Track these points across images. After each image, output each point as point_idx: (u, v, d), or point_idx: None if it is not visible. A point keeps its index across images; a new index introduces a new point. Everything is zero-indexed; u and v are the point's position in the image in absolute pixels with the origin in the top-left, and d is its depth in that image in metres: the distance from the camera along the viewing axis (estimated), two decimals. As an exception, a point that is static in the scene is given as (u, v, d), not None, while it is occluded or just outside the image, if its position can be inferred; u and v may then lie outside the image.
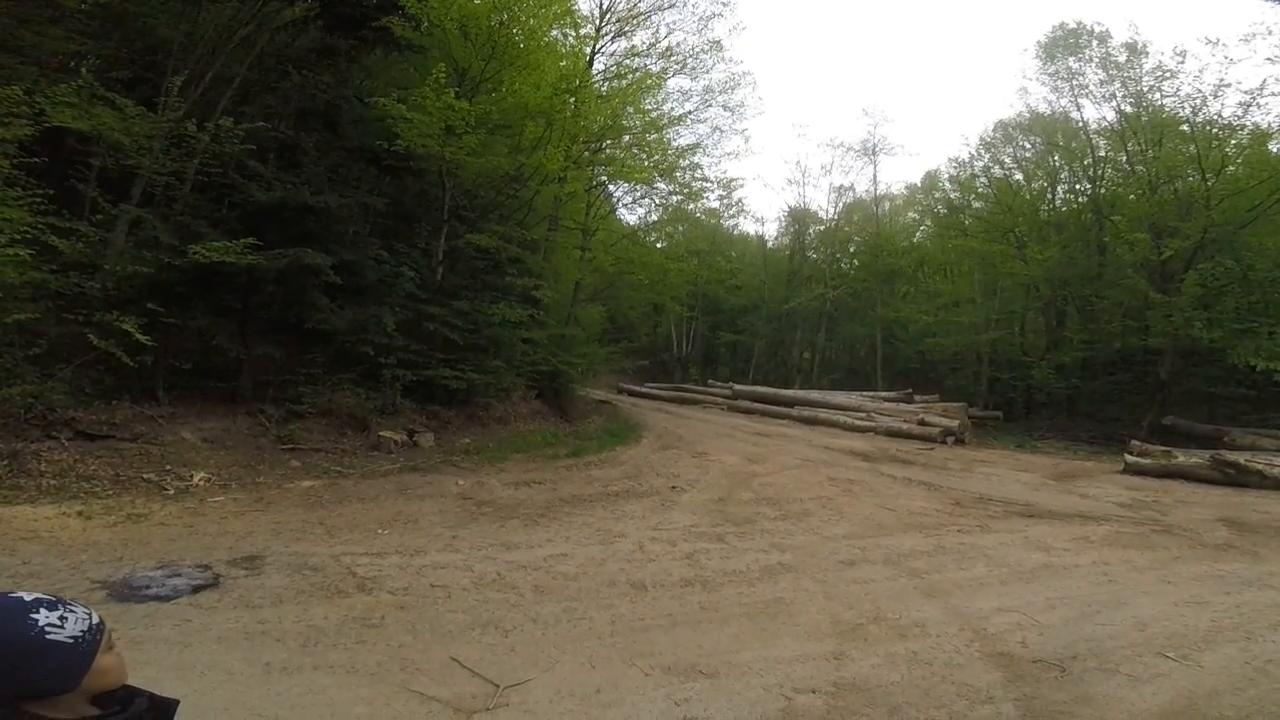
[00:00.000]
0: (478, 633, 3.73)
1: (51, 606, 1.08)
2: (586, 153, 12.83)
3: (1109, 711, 3.19)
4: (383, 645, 3.50)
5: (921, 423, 14.92)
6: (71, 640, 1.07)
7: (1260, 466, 9.62)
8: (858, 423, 15.64)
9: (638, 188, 16.84)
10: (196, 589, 3.98)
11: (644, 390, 22.95)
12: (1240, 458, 10.05)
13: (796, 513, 7.17)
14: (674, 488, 8.06)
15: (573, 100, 11.25)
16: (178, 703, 1.24)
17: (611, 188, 17.08)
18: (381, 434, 8.58)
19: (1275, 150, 15.85)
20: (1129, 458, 10.98)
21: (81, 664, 1.08)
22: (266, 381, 8.25)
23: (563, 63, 12.14)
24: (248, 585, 4.12)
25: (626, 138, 13.95)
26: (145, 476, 6.21)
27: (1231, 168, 15.18)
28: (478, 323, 10.32)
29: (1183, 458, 10.56)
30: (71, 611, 1.10)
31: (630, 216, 20.34)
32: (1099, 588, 5.06)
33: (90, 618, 1.12)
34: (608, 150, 13.63)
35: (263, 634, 3.52)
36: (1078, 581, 5.20)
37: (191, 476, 6.37)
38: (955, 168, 24.64)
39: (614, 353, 17.76)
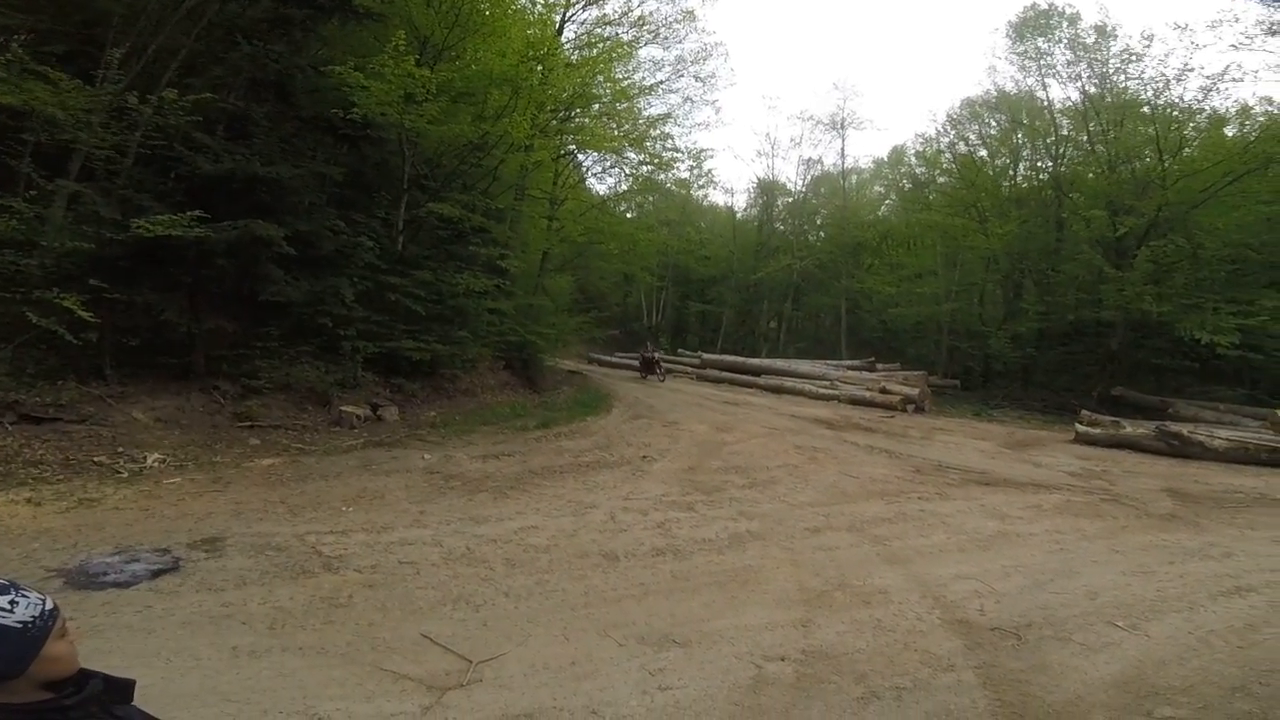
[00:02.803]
0: (449, 609, 3.71)
1: (2, 590, 1.04)
2: (554, 121, 12.49)
3: (1064, 680, 3.26)
4: (352, 625, 3.46)
5: (883, 391, 15.28)
6: (20, 625, 1.03)
7: (1202, 438, 10.01)
8: (822, 391, 15.93)
9: (607, 157, 16.59)
10: (156, 574, 3.87)
11: (614, 360, 22.93)
12: (1184, 429, 10.48)
13: (764, 481, 7.29)
14: (645, 457, 8.09)
15: (540, 68, 10.90)
16: (134, 683, 1.20)
17: (581, 157, 16.76)
18: (343, 408, 8.38)
19: (1230, 134, 16.41)
20: (1080, 427, 11.38)
21: (29, 651, 1.04)
22: (220, 356, 7.95)
23: (530, 30, 11.72)
24: (209, 568, 4.01)
25: (596, 106, 13.63)
26: (96, 459, 5.95)
27: (1188, 150, 15.70)
28: (441, 293, 10.10)
29: (1130, 428, 10.99)
30: (24, 596, 1.05)
31: (600, 186, 20.08)
32: (1052, 556, 5.23)
33: (44, 604, 1.08)
34: (577, 119, 13.28)
35: (228, 617, 3.45)
36: (1032, 550, 5.36)
37: (145, 458, 6.13)
38: (922, 143, 24.93)
39: (584, 323, 17.61)
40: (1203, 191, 14.59)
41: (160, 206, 6.94)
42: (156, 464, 6.08)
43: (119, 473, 5.81)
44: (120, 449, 6.22)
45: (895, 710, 2.93)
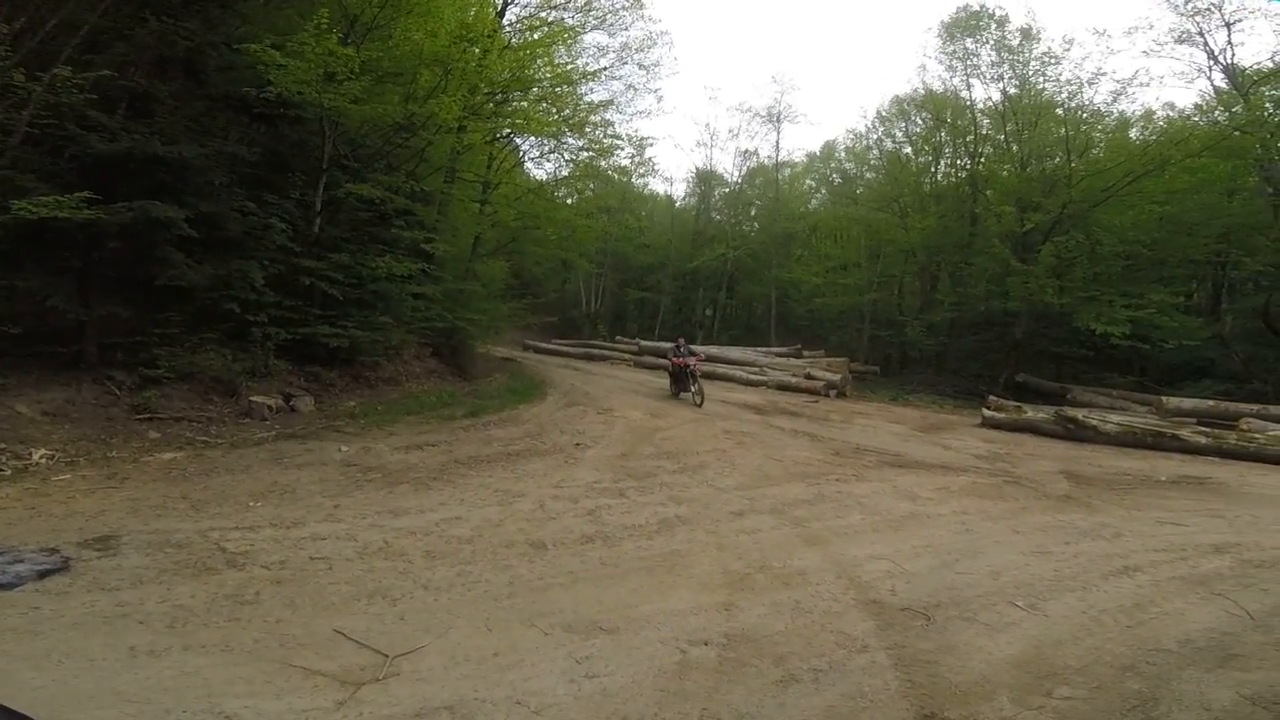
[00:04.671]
0: (363, 603, 3.59)
1: None
2: (490, 104, 12.09)
3: (969, 660, 3.37)
4: (259, 622, 3.31)
5: (808, 377, 15.83)
6: None
7: (1095, 423, 10.75)
8: (752, 377, 16.31)
9: (546, 142, 16.18)
10: (43, 574, 3.61)
11: (551, 347, 22.69)
12: (1079, 413, 11.27)
13: (693, 465, 7.40)
14: (578, 444, 8.06)
15: (477, 50, 10.52)
16: None
17: (518, 140, 16.31)
18: (253, 399, 7.91)
19: (1134, 136, 17.80)
20: (986, 412, 12.08)
21: None
22: (115, 345, 7.35)
23: (471, 11, 11.28)
24: (102, 567, 3.75)
25: (535, 90, 13.26)
26: (-27, 457, 5.41)
27: (1095, 151, 16.88)
28: (361, 277, 9.68)
29: (1031, 413, 11.78)
30: None
31: (538, 171, 19.68)
32: (958, 536, 5.47)
33: None
34: (515, 103, 12.90)
35: (123, 617, 3.25)
36: (940, 530, 5.61)
37: (31, 454, 5.64)
38: (852, 139, 25.84)
39: (518, 309, 17.25)
40: (1104, 191, 15.69)
41: (47, 188, 6.44)
42: (44, 460, 5.61)
43: (2, 470, 5.32)
44: (2, 445, 5.68)
45: (813, 692, 3.02)
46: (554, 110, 13.98)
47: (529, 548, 4.59)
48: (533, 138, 15.84)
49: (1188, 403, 12.54)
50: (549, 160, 18.33)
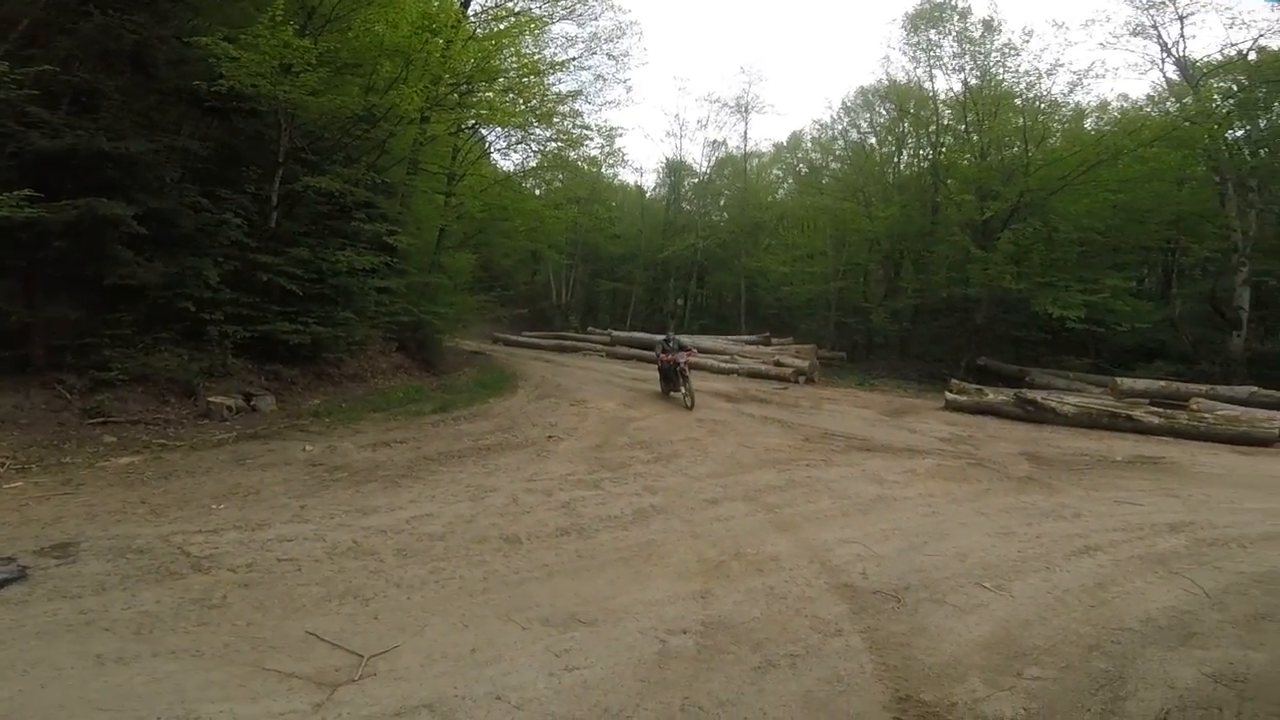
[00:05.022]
0: (335, 604, 3.53)
1: None
2: (454, 95, 11.81)
3: (941, 642, 3.44)
4: (228, 626, 3.24)
5: (777, 364, 16.01)
6: None
7: (1054, 404, 11.08)
8: (723, 365, 16.44)
9: (513, 133, 15.87)
10: (1, 584, 3.50)
11: (522, 339, 22.49)
12: (1039, 396, 11.62)
13: (667, 455, 7.42)
14: (550, 437, 8.00)
15: (440, 41, 10.28)
16: None
17: (484, 132, 15.98)
18: (211, 399, 7.64)
19: (1089, 126, 18.32)
20: (949, 395, 12.37)
21: None
22: (63, 347, 7.04)
23: (435, 1, 10.98)
24: (62, 575, 3.64)
25: (501, 81, 12.97)
26: (-85, 467, 5.14)
27: (1052, 140, 17.33)
28: (321, 271, 9.40)
29: (992, 395, 12.10)
30: None
31: (505, 162, 19.39)
32: (925, 519, 5.58)
33: None
34: (480, 93, 12.61)
35: (88, 625, 3.16)
36: (907, 513, 5.72)
37: (-23, 462, 5.35)
38: (818, 129, 26.09)
39: (486, 301, 16.98)
40: (1060, 179, 16.10)
41: (-17, 187, 6.10)
42: (-9, 467, 5.32)
43: (-53, 480, 5.05)
44: (-54, 454, 5.39)
45: (791, 678, 3.06)
46: (521, 101, 13.68)
47: (503, 542, 4.56)
48: (499, 129, 15.54)
49: (1140, 383, 13.05)
50: (516, 151, 18.08)
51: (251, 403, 8.12)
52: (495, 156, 18.63)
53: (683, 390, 10.60)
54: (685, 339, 18.84)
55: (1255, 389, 12.02)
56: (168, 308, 7.77)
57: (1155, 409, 10.81)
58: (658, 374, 11.67)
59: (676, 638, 3.37)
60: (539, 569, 4.17)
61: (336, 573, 3.90)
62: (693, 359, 11.67)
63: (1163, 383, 13.09)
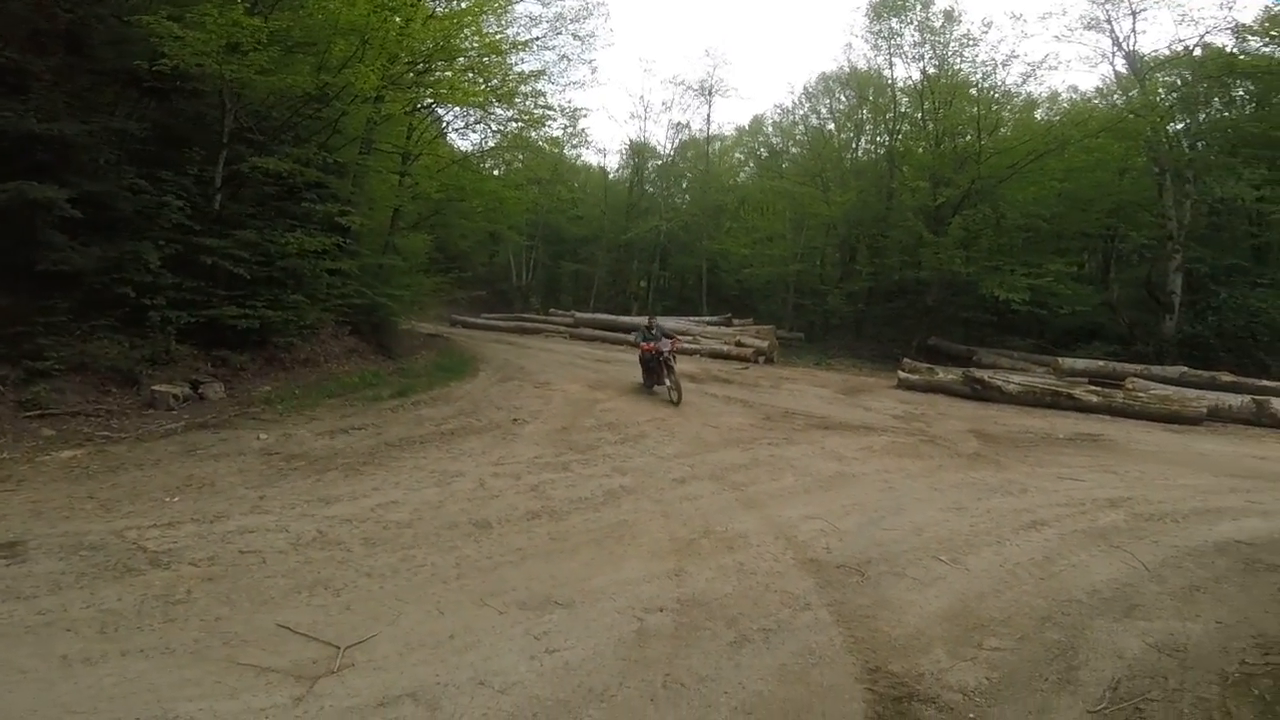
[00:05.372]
0: (305, 596, 3.45)
1: None
2: (411, 74, 11.37)
3: (904, 615, 3.56)
4: (196, 621, 3.14)
5: (738, 344, 16.26)
6: None
7: (1000, 383, 11.60)
8: (686, 346, 16.56)
9: (471, 112, 15.34)
10: None
11: (481, 321, 22.14)
12: (985, 374, 12.12)
13: (634, 436, 7.46)
14: (515, 420, 7.94)
15: (398, 19, 9.86)
16: None
17: (441, 111, 15.47)
18: (156, 388, 7.27)
19: (1039, 117, 18.94)
20: (902, 374, 12.81)
21: None
22: (-7, 337, 6.60)
23: None
24: (13, 575, 3.46)
25: (461, 60, 12.52)
26: None
27: (1003, 130, 17.85)
28: (269, 254, 9.04)
29: (942, 374, 12.55)
30: None
31: (463, 142, 18.79)
32: (882, 495, 5.76)
33: None
34: (438, 72, 12.16)
35: (47, 625, 3.03)
36: (866, 489, 5.91)
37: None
38: (780, 114, 26.21)
39: (443, 283, 16.56)
40: (1010, 168, 16.65)
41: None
42: (-82, 465, 4.96)
43: None
44: None
45: (765, 652, 3.16)
46: (481, 80, 13.29)
47: (473, 528, 4.53)
48: (457, 108, 15.06)
49: (1080, 363, 13.75)
50: (475, 131, 17.58)
51: (199, 391, 7.77)
52: (453, 136, 18.13)
53: (667, 383, 9.57)
54: (668, 322, 18.83)
55: (1185, 369, 12.80)
56: (106, 294, 7.37)
57: (1094, 388, 11.41)
58: (640, 365, 10.40)
59: (653, 616, 3.43)
60: (512, 553, 4.16)
61: (303, 564, 3.81)
62: (679, 346, 10.59)
63: (1101, 363, 13.82)
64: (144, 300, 7.61)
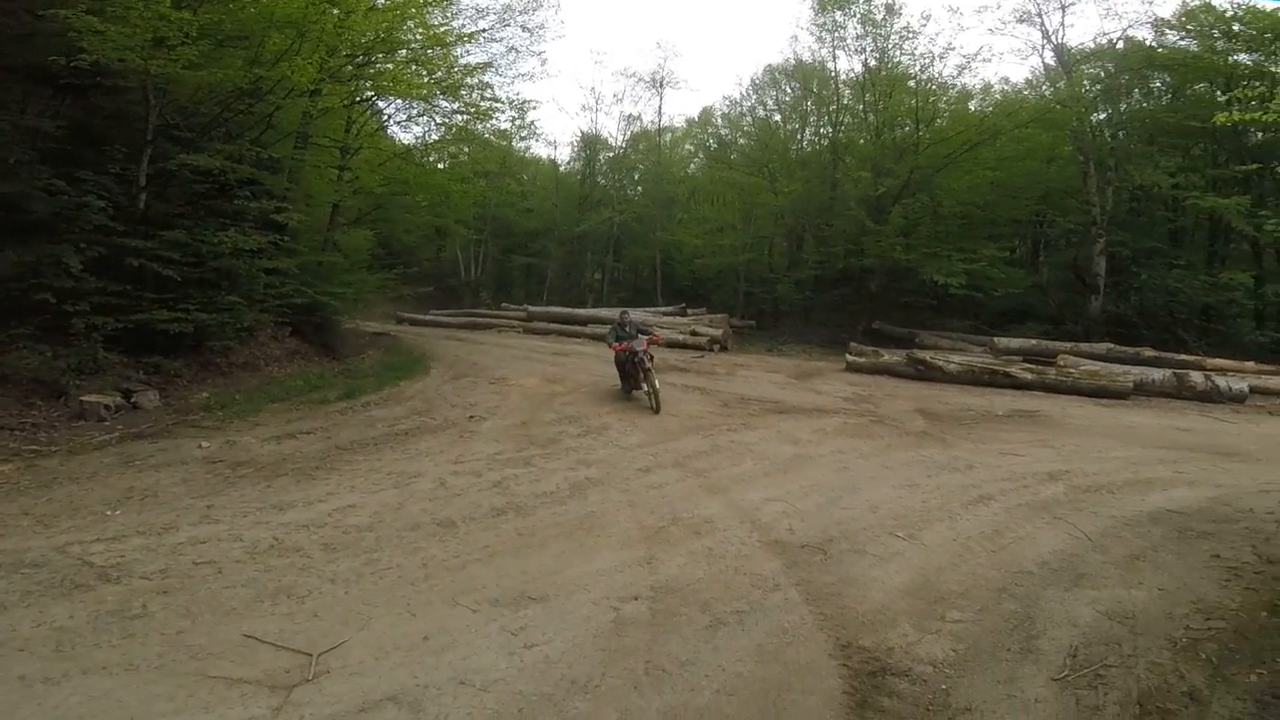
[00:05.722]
0: (268, 604, 3.33)
1: None
2: (350, 66, 10.93)
3: (868, 591, 3.67)
4: (156, 636, 3.00)
5: (694, 333, 16.47)
6: None
7: (941, 363, 12.10)
8: (667, 336, 16.61)
9: (414, 105, 14.83)
10: None
11: (429, 318, 21.61)
12: (928, 355, 12.63)
13: (597, 427, 7.46)
14: (472, 417, 7.82)
15: (336, 11, 9.46)
16: None
17: (381, 104, 14.92)
18: (85, 399, 6.82)
19: (973, 108, 19.71)
20: (849, 357, 13.27)
21: None
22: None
23: None
24: None
25: (404, 52, 12.09)
26: None
27: (940, 120, 18.49)
28: (201, 254, 8.62)
29: (888, 356, 13.01)
30: None
31: (406, 136, 18.17)
32: (838, 475, 5.93)
33: None
34: (379, 65, 11.73)
35: None
36: (822, 470, 6.07)
37: None
38: (728, 106, 26.45)
39: (388, 279, 16.04)
40: (946, 157, 17.29)
41: None
42: None
43: None
44: None
45: (741, 633, 3.22)
46: (425, 73, 12.89)
47: (437, 527, 4.46)
48: (400, 100, 14.58)
49: (1015, 342, 14.48)
50: (418, 124, 17.09)
51: (132, 400, 7.33)
52: (395, 129, 17.53)
53: (644, 388, 8.60)
54: (602, 312, 18.45)
55: (1112, 346, 13.62)
56: (23, 300, 6.92)
57: (1028, 366, 12.04)
58: (616, 369, 9.31)
59: (629, 604, 3.46)
60: (479, 551, 4.11)
61: (262, 572, 3.67)
62: (658, 341, 9.69)
63: (1034, 342, 14.58)
64: (66, 306, 7.17)
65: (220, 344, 9.32)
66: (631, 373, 8.85)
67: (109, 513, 4.46)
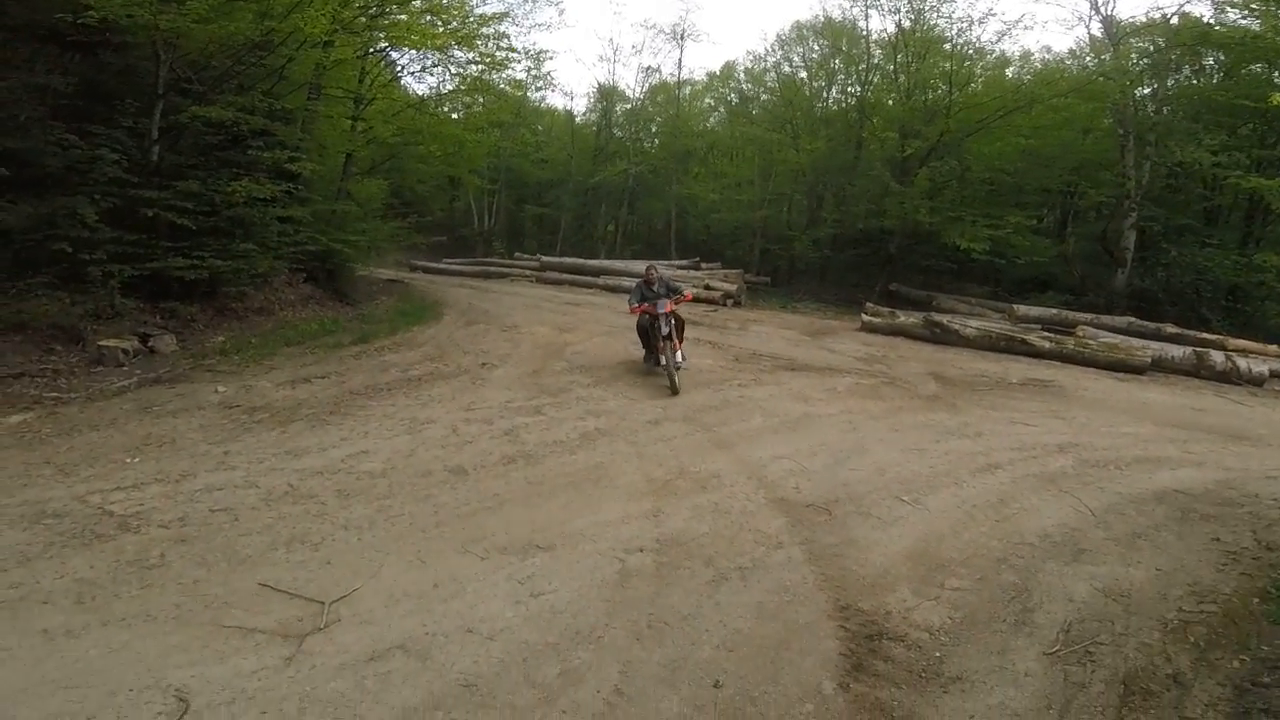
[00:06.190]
0: (282, 552, 3.40)
1: None
2: (363, 17, 10.63)
3: (869, 554, 3.67)
4: (174, 585, 3.06)
5: (707, 288, 16.29)
6: None
7: (958, 327, 11.86)
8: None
9: (429, 55, 14.44)
10: None
11: (442, 267, 21.65)
12: (945, 319, 12.40)
13: (607, 378, 7.44)
14: (484, 364, 7.85)
15: None
16: None
17: (395, 55, 14.55)
18: (103, 344, 6.93)
19: (1010, 74, 18.95)
20: (865, 317, 13.07)
21: None
22: (-79, 302, 6.17)
23: None
24: None
25: (418, 2, 11.73)
26: None
27: (974, 85, 17.82)
28: (215, 203, 8.68)
29: (903, 318, 12.81)
30: None
31: (420, 86, 17.76)
32: (846, 435, 5.86)
33: None
34: (392, 15, 11.40)
35: (22, 600, 2.90)
36: (830, 430, 6.02)
37: None
38: (751, 60, 25.60)
39: (401, 228, 16.03)
40: (978, 123, 16.69)
41: None
42: None
43: None
44: None
45: (743, 590, 3.26)
46: (439, 23, 12.52)
47: (448, 475, 4.52)
48: (413, 51, 14.20)
49: (1034, 310, 14.20)
50: (432, 74, 16.67)
51: (149, 344, 7.45)
52: (408, 80, 17.14)
53: (664, 361, 7.18)
54: (616, 264, 17.92)
55: (1133, 319, 13.29)
56: (40, 250, 7.02)
57: (1047, 334, 11.80)
58: (639, 336, 7.90)
59: (634, 556, 3.51)
60: (489, 499, 4.17)
61: (277, 520, 3.75)
62: (687, 300, 7.84)
63: (1054, 311, 14.28)
64: (82, 255, 7.27)
65: (235, 290, 9.45)
66: (653, 342, 7.53)
67: (128, 460, 4.55)
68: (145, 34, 7.90)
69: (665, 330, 7.16)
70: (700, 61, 56.83)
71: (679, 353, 7.32)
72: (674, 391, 6.93)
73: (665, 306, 7.24)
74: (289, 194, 10.09)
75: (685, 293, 7.85)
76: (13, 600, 2.91)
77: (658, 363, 7.53)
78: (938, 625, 3.07)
